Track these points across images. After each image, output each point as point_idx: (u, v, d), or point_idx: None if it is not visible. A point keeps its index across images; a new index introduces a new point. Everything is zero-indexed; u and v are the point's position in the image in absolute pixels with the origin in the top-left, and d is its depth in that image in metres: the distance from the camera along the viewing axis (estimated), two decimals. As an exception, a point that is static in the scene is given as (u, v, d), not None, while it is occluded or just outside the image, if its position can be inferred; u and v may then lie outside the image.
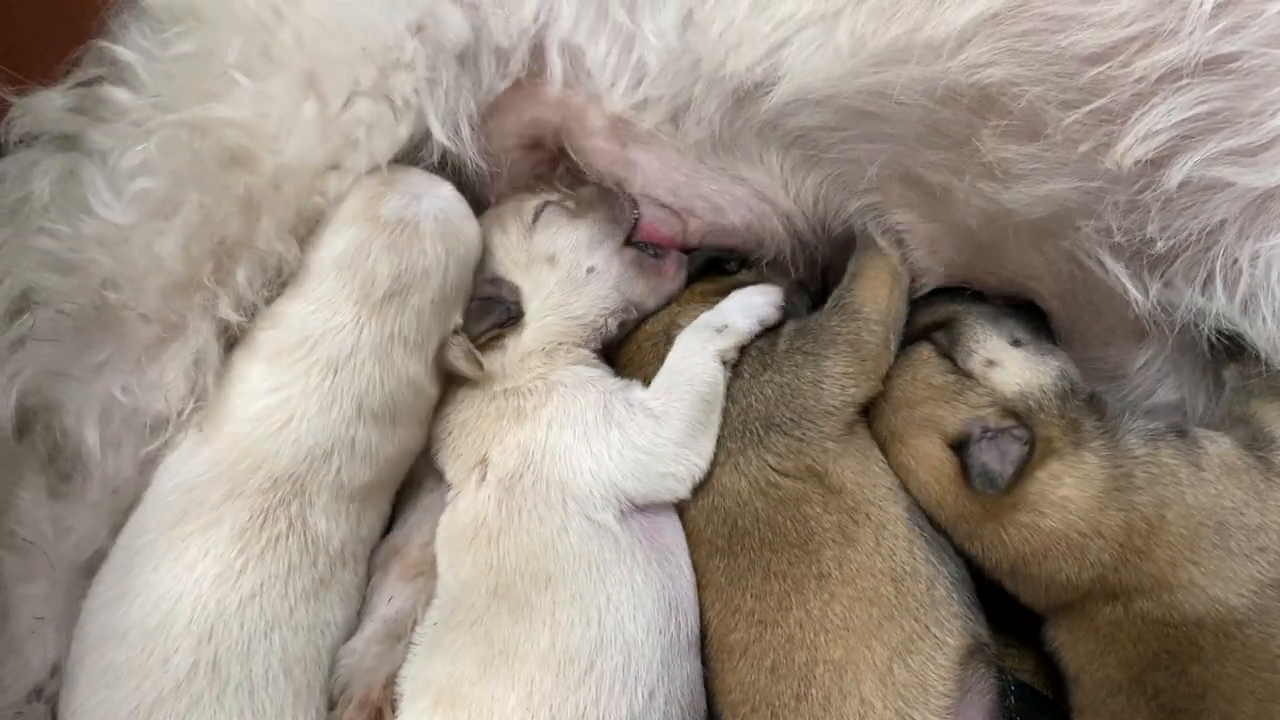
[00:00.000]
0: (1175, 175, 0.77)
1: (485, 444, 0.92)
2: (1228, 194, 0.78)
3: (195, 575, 0.82)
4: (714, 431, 0.91)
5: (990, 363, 0.89)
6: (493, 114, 1.01)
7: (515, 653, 0.81)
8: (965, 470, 0.84)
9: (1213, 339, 0.84)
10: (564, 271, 0.97)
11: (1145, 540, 0.81)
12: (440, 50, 0.94)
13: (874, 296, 0.93)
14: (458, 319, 0.94)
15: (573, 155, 1.04)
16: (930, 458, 0.87)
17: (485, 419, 0.93)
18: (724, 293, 0.99)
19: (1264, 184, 0.77)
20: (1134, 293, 0.84)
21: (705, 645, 0.89)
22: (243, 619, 0.82)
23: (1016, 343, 0.90)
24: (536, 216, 0.99)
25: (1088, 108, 0.77)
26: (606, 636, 0.81)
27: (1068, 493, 0.83)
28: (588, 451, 0.89)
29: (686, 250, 1.04)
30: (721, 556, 0.89)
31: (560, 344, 0.96)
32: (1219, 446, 0.84)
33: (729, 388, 0.93)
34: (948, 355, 0.91)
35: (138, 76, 0.93)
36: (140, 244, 0.88)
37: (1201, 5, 0.73)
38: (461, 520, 0.90)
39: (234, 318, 0.90)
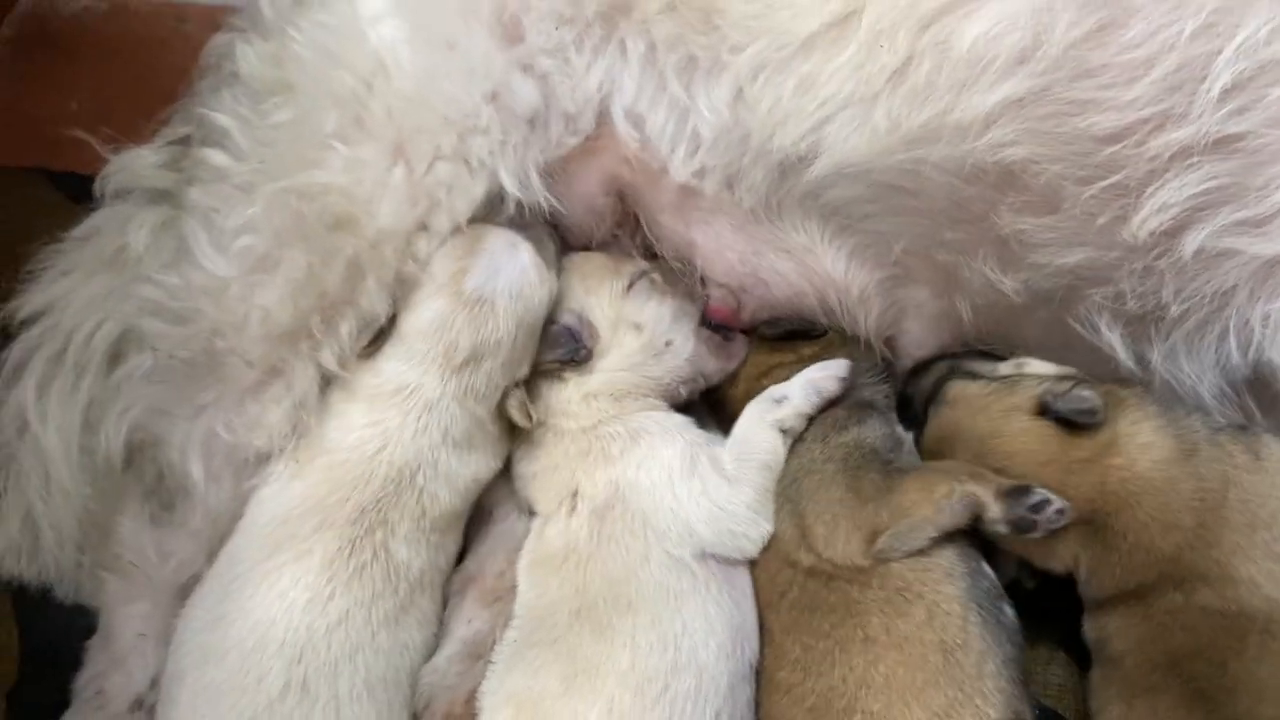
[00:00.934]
0: (1189, 245, 0.82)
1: (574, 480, 0.98)
2: (1237, 260, 0.82)
3: (288, 602, 0.88)
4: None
5: (1019, 364, 0.96)
6: (572, 163, 1.07)
7: (597, 671, 0.86)
8: (1063, 421, 0.89)
9: (1225, 389, 0.89)
10: (646, 339, 1.04)
11: (1214, 517, 0.85)
12: (512, 116, 1.00)
13: (902, 499, 0.90)
14: (524, 371, 1.02)
15: (646, 229, 1.10)
16: (1029, 430, 0.91)
17: (569, 458, 1.00)
18: (823, 356, 1.05)
19: (1272, 251, 0.81)
20: (1124, 357, 0.90)
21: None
22: (330, 642, 0.88)
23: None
24: (631, 285, 1.05)
25: (1104, 183, 0.82)
26: (681, 661, 0.87)
27: (1149, 438, 0.88)
28: (671, 493, 0.95)
29: (744, 330, 1.10)
30: (770, 610, 0.94)
31: (629, 394, 1.02)
32: None
33: (795, 443, 0.98)
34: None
35: (236, 142, 1.00)
36: (243, 295, 0.94)
37: (1209, 91, 0.78)
38: (552, 545, 0.96)
39: (334, 367, 0.97)
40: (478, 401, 1.00)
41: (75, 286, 1.14)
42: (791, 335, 1.09)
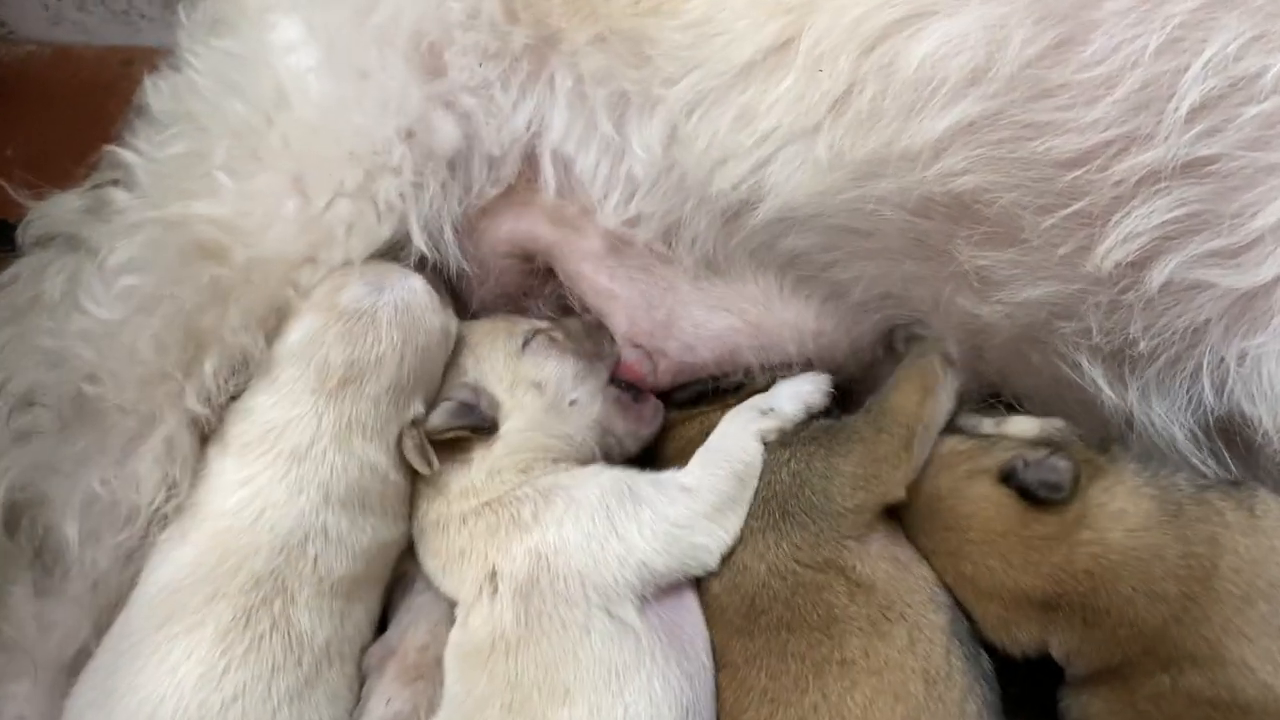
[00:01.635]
0: (1157, 277, 0.78)
1: (488, 560, 0.90)
2: (1211, 294, 0.78)
3: (178, 678, 0.82)
4: (744, 510, 0.91)
5: (999, 422, 0.92)
6: (485, 217, 1.02)
7: None
8: (1025, 492, 0.83)
9: (1198, 434, 0.83)
10: (549, 399, 0.98)
11: (1203, 588, 0.77)
12: (430, 156, 0.97)
13: (903, 403, 0.91)
14: (418, 408, 0.95)
15: (561, 279, 1.05)
16: (988, 497, 0.85)
17: (478, 537, 0.92)
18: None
19: (1247, 284, 0.76)
20: (1109, 394, 0.84)
21: (720, 720, 0.88)
22: (224, 722, 0.82)
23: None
24: (526, 343, 1.00)
25: (1065, 211, 0.78)
26: None
27: (1122, 505, 0.81)
28: (613, 534, 0.88)
29: (658, 393, 1.05)
30: (739, 636, 0.88)
31: (537, 460, 0.96)
32: None
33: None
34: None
35: (135, 177, 0.96)
36: (122, 338, 0.90)
37: (1177, 110, 0.73)
38: (477, 636, 0.88)
39: (200, 409, 0.91)
40: (366, 438, 0.92)
41: (-13, 336, 1.09)
42: (699, 398, 1.05)
